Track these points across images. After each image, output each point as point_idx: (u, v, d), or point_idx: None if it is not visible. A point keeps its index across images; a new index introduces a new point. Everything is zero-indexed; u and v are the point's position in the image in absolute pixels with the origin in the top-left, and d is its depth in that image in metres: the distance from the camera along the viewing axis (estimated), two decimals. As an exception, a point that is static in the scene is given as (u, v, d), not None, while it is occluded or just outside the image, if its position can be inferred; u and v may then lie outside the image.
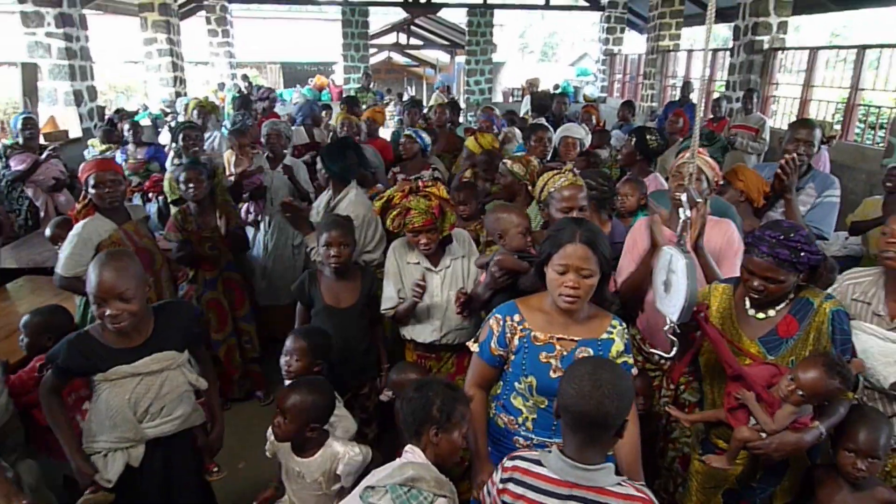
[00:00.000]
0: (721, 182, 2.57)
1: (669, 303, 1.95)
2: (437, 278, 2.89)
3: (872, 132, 7.33)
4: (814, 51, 7.65)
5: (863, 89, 6.92)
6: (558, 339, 1.96)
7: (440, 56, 20.23)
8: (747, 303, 2.11)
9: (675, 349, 2.03)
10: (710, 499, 2.29)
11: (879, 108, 6.83)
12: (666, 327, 2.02)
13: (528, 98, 10.28)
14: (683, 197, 1.96)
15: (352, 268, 3.05)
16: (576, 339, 1.95)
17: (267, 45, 21.36)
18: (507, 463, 1.66)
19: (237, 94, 8.74)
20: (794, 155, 3.10)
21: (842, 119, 7.14)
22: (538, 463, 1.61)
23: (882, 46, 6.63)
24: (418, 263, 2.89)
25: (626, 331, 2.02)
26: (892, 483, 2.26)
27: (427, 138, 5.00)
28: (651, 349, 2.05)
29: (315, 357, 2.60)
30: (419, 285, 2.74)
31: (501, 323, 2.02)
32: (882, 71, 6.76)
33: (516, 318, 2.01)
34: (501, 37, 21.71)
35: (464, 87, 14.64)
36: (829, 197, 3.30)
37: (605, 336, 1.98)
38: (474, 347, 2.10)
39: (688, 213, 1.94)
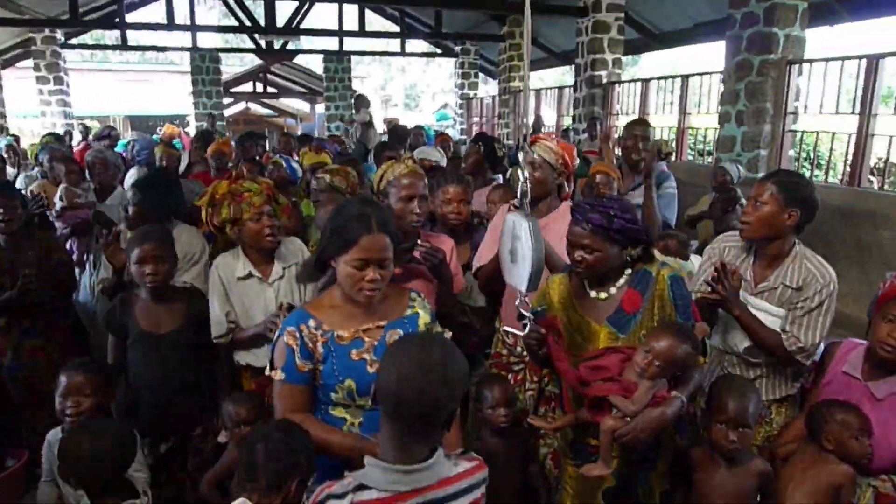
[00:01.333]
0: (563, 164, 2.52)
1: (517, 273, 1.80)
2: (270, 291, 2.57)
3: (702, 157, 8.03)
4: (645, 82, 8.30)
5: (689, 114, 7.55)
6: (364, 330, 1.76)
7: (300, 105, 19.98)
8: (587, 285, 2.03)
9: (528, 326, 1.87)
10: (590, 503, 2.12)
11: (706, 130, 7.47)
12: (517, 301, 1.87)
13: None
14: (520, 155, 1.85)
15: (175, 288, 2.65)
16: (381, 324, 1.78)
17: (113, 98, 20.08)
18: None
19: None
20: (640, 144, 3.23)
21: (675, 142, 7.73)
22: (360, 488, 1.29)
23: (702, 74, 7.29)
24: (249, 276, 2.55)
25: (425, 300, 1.91)
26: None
27: (297, 168, 4.57)
28: (507, 328, 1.88)
29: (108, 392, 2.19)
30: (274, 322, 2.32)
31: (297, 335, 1.74)
32: (705, 98, 7.41)
33: (311, 323, 1.76)
34: (363, 89, 21.93)
35: (326, 133, 14.41)
36: (668, 189, 3.51)
37: (409, 312, 1.85)
38: (278, 375, 1.77)
39: (525, 173, 1.83)
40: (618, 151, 4.17)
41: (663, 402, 1.84)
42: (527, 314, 1.86)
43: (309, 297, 2.51)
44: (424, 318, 1.88)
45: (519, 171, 1.83)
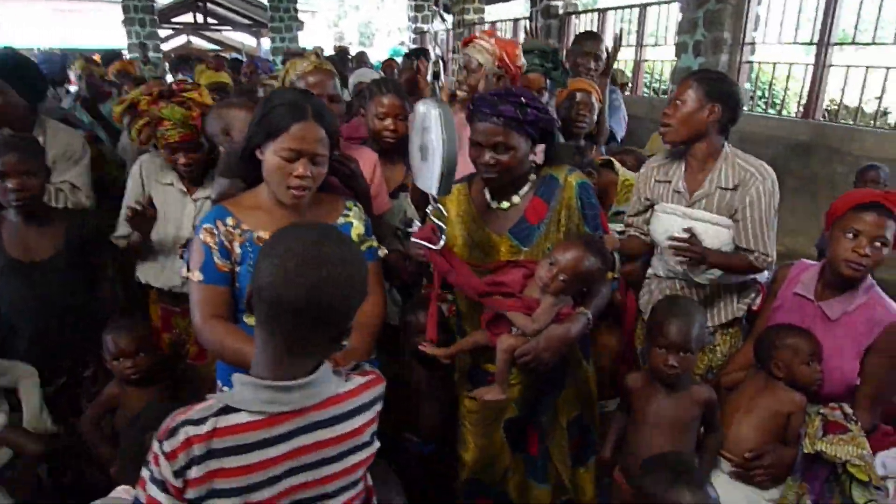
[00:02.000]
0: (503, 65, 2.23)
1: (427, 172, 1.52)
2: (191, 206, 2.28)
3: (657, 95, 7.80)
4: (602, 13, 7.96)
5: (647, 46, 7.27)
6: None
7: (245, 39, 18.91)
8: (487, 195, 1.80)
9: (442, 239, 1.62)
10: (491, 437, 1.91)
11: (663, 64, 7.22)
12: (429, 208, 1.61)
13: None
14: (428, 27, 1.55)
15: (50, 208, 2.30)
16: None
17: (42, 29, 18.66)
18: (168, 445, 1.01)
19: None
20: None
21: (631, 76, 7.46)
22: (225, 411, 1.03)
23: (660, 3, 6.97)
24: (171, 185, 2.27)
25: (363, 211, 1.74)
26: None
27: None
28: (418, 240, 1.63)
29: None
30: (134, 210, 2.07)
31: (215, 231, 1.53)
32: (662, 32, 7.13)
33: (229, 221, 1.54)
34: (313, 24, 20.87)
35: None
36: (614, 102, 3.32)
37: (341, 220, 1.67)
38: (195, 276, 1.54)
39: (438, 51, 1.54)
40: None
41: (567, 318, 1.65)
42: (439, 224, 1.60)
43: None
44: (358, 228, 1.69)
45: (431, 49, 1.54)
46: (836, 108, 6.57)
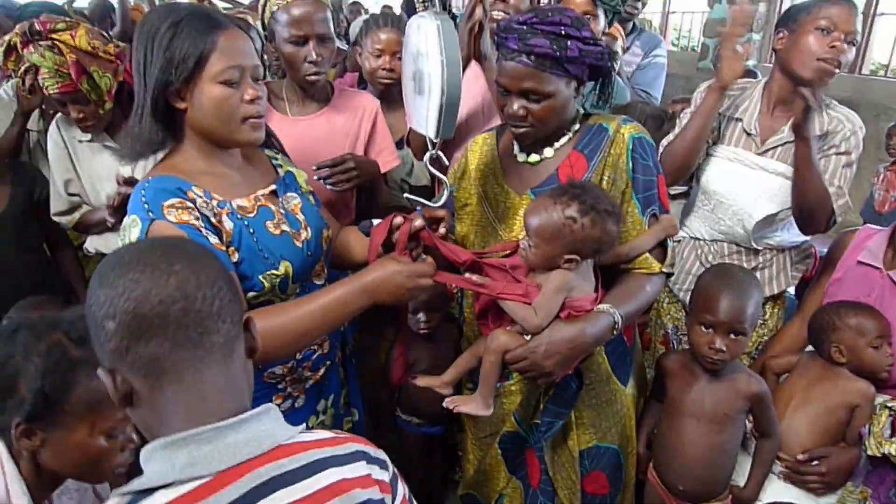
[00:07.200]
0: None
1: (423, 109, 1.19)
2: (129, 168, 1.96)
3: (683, 50, 7.34)
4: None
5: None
6: (261, 196, 1.25)
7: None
8: (515, 146, 1.45)
9: (444, 196, 1.27)
10: (487, 450, 1.59)
11: (693, 13, 6.76)
12: (426, 156, 1.26)
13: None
14: None
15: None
16: (272, 188, 1.28)
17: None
18: None
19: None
20: None
21: (659, 30, 7.01)
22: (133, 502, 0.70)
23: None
24: (91, 141, 1.92)
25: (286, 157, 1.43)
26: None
27: None
28: (411, 197, 1.29)
29: None
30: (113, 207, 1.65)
31: (190, 206, 1.12)
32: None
33: (197, 191, 1.14)
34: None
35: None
36: (657, 57, 2.88)
37: (280, 171, 1.34)
38: None
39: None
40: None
41: (583, 315, 1.23)
42: (440, 176, 1.27)
43: None
44: (300, 174, 1.39)
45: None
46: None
